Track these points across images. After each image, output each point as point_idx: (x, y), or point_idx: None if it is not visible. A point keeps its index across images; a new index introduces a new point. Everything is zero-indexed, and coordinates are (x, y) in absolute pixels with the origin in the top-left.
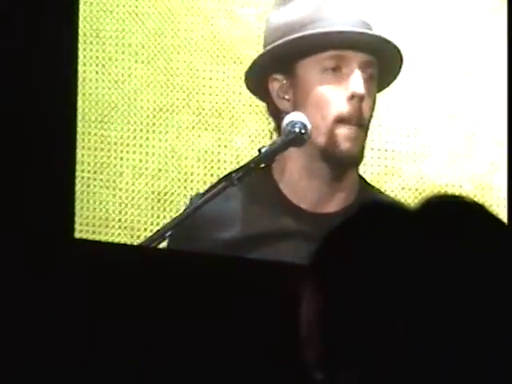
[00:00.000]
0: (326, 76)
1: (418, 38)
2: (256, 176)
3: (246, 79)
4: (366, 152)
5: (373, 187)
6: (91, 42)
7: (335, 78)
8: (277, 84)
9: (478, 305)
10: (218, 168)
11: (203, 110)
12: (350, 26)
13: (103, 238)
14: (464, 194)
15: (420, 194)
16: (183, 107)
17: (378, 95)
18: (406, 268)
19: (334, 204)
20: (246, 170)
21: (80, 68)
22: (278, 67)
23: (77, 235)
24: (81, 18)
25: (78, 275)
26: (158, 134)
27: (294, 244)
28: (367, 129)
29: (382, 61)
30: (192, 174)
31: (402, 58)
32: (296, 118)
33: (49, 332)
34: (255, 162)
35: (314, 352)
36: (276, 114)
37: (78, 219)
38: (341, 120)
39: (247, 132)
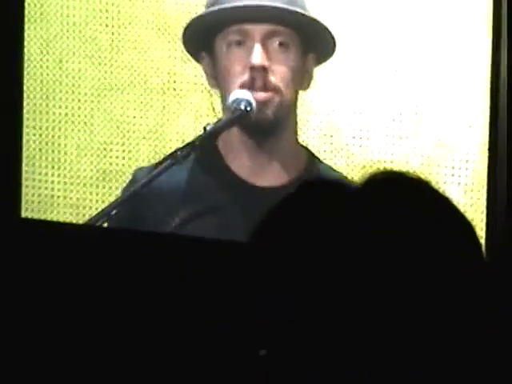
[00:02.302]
0: (232, 50)
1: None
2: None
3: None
4: (311, 130)
5: (322, 163)
6: (35, 21)
7: (240, 51)
8: (204, 62)
9: (423, 278)
10: (163, 146)
11: (148, 87)
12: (255, 0)
13: (49, 217)
14: (410, 171)
15: (366, 170)
16: (128, 85)
17: (321, 70)
18: (351, 244)
19: (270, 177)
20: (192, 147)
21: (26, 47)
22: (202, 45)
23: (23, 214)
24: None
25: (24, 254)
26: (102, 111)
27: (229, 217)
28: (288, 94)
29: (299, 29)
30: (137, 152)
31: (321, 25)
32: (241, 95)
33: None
34: (200, 139)
35: (260, 331)
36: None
37: (23, 198)
38: (244, 87)
39: (192, 110)
